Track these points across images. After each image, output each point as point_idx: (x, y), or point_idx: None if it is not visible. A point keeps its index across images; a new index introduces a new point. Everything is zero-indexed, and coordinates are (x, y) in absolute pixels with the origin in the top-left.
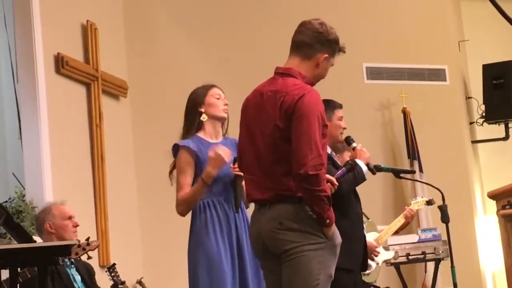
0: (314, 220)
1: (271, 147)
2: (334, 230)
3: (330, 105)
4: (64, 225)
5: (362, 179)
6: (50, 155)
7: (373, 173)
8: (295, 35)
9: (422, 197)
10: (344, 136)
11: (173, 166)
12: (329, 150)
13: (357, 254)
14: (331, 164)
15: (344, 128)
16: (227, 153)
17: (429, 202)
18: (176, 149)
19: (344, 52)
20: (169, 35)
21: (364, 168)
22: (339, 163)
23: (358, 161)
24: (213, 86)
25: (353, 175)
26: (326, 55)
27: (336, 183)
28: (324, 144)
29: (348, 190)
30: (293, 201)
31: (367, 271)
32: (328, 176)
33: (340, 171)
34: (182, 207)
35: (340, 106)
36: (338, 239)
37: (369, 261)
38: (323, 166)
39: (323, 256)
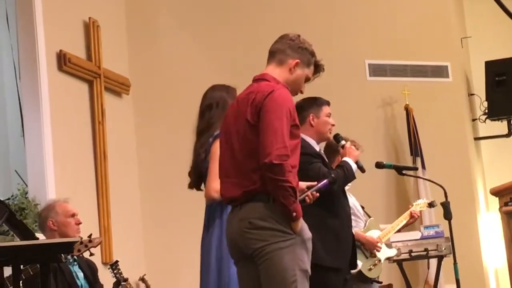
0: (282, 217)
1: (243, 142)
2: (303, 225)
3: (317, 102)
4: (67, 223)
5: (352, 177)
6: (53, 153)
7: (362, 172)
8: (271, 46)
9: (424, 199)
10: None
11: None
12: (317, 148)
13: (346, 253)
14: (321, 163)
15: (333, 125)
16: None
17: (431, 204)
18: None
19: (323, 70)
20: (171, 32)
21: (354, 167)
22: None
23: (348, 159)
24: (234, 89)
25: (343, 173)
26: (298, 61)
27: (317, 195)
28: (296, 145)
29: (339, 189)
30: (261, 199)
31: (355, 270)
32: (310, 183)
33: (322, 182)
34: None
35: (327, 103)
36: (307, 234)
37: (358, 260)
38: (288, 157)
39: (294, 252)
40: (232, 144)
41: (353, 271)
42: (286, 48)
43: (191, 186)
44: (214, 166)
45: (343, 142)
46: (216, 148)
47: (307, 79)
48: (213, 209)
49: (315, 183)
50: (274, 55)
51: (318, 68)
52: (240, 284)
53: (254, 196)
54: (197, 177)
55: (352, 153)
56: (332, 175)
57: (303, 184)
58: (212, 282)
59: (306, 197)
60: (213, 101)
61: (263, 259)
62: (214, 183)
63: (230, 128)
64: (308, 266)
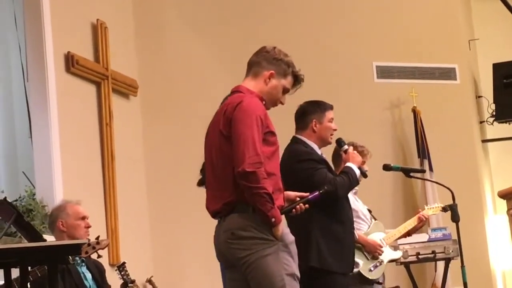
0: (262, 225)
1: (219, 154)
2: (284, 230)
3: (321, 107)
4: (76, 225)
5: (356, 183)
6: (60, 154)
7: (365, 177)
8: (250, 58)
9: (438, 203)
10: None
11: None
12: (319, 153)
13: (350, 258)
14: (326, 169)
15: (335, 130)
16: None
17: (444, 209)
18: None
19: (302, 80)
20: (179, 34)
21: (357, 172)
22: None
23: (351, 165)
24: None
25: (348, 179)
26: (272, 72)
27: (306, 206)
28: (272, 152)
29: (343, 195)
30: (241, 209)
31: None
32: (301, 194)
33: (313, 194)
34: None
35: (331, 107)
36: (290, 238)
37: (357, 260)
38: (261, 165)
39: (278, 257)
40: (211, 157)
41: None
42: (261, 60)
43: (200, 183)
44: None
45: (345, 147)
46: None
47: (286, 91)
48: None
49: (307, 194)
50: (251, 67)
51: (297, 78)
52: (230, 287)
53: (234, 207)
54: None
55: (355, 158)
56: (325, 187)
57: (292, 194)
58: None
59: (294, 209)
60: None
61: (249, 269)
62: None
63: (209, 141)
64: (295, 269)
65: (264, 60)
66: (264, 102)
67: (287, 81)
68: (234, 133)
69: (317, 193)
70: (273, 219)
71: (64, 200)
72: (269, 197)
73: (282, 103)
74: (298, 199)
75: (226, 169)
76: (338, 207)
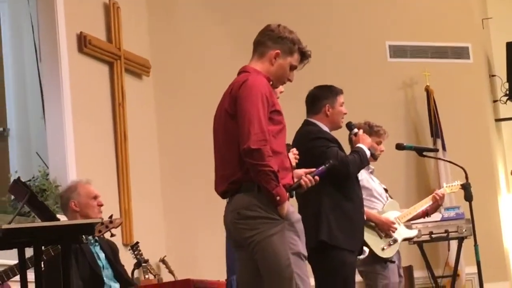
0: (268, 204)
1: (225, 134)
2: (289, 208)
3: (333, 92)
4: (89, 204)
5: (367, 162)
6: (73, 135)
7: (375, 159)
8: (255, 38)
9: (458, 181)
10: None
11: None
12: (327, 130)
13: (359, 236)
14: (338, 148)
15: (345, 114)
16: None
17: (463, 186)
18: None
19: (309, 56)
20: (192, 14)
21: (368, 153)
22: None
23: (362, 146)
24: None
25: (359, 158)
26: (278, 51)
27: (316, 179)
28: (279, 130)
29: (354, 172)
30: (247, 188)
31: (361, 256)
32: (308, 170)
33: (320, 168)
34: None
35: (341, 92)
36: (296, 216)
37: (370, 240)
38: (266, 142)
39: (284, 236)
40: (218, 138)
41: (359, 257)
42: (266, 40)
43: None
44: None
45: (355, 130)
46: None
47: (293, 68)
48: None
49: (314, 169)
50: (256, 47)
51: (304, 55)
52: (239, 267)
53: (241, 185)
54: None
55: (365, 140)
56: (331, 161)
57: (301, 171)
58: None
59: (302, 181)
60: None
61: (255, 249)
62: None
63: (216, 122)
64: (301, 248)
65: (269, 40)
66: (271, 82)
67: (293, 59)
68: (239, 111)
69: (323, 167)
70: (277, 197)
71: (74, 180)
72: (274, 175)
73: (290, 80)
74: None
75: (232, 148)
76: (348, 186)
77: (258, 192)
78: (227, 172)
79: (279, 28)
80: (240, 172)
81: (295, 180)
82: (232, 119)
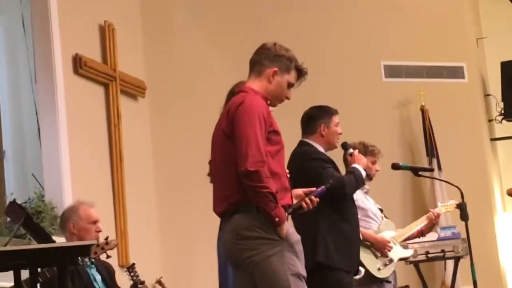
0: (267, 225)
1: (223, 154)
2: (288, 229)
3: (328, 112)
4: (87, 229)
5: (362, 182)
6: (69, 156)
7: (370, 179)
8: (251, 57)
9: (453, 201)
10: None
11: None
12: (323, 151)
13: (356, 256)
14: (333, 168)
15: (340, 134)
16: None
17: (459, 206)
18: None
19: (306, 73)
20: (187, 35)
21: (363, 173)
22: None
23: (357, 166)
24: None
25: (355, 178)
26: (276, 69)
27: (316, 200)
28: (277, 151)
29: (351, 192)
30: (246, 209)
31: (357, 276)
32: (308, 190)
33: (320, 189)
34: None
35: (336, 112)
36: (295, 237)
37: (366, 260)
38: (264, 163)
39: (283, 257)
40: (216, 159)
41: (355, 277)
42: (263, 58)
43: (210, 174)
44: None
45: (351, 150)
46: None
47: (290, 85)
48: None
49: (314, 189)
50: (253, 67)
51: (301, 72)
52: (238, 287)
53: (239, 206)
54: None
55: (361, 160)
56: (331, 181)
57: (300, 191)
58: (229, 281)
59: (303, 203)
60: None
61: (255, 269)
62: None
63: (214, 143)
64: (300, 269)
65: (266, 58)
66: (268, 101)
67: (291, 76)
68: (236, 132)
69: (323, 187)
70: (276, 219)
71: (78, 201)
72: (273, 196)
73: (288, 98)
74: (305, 195)
75: (230, 169)
76: (345, 206)
77: (257, 213)
78: (226, 193)
79: (275, 47)
80: (239, 194)
81: (294, 200)
82: (230, 140)
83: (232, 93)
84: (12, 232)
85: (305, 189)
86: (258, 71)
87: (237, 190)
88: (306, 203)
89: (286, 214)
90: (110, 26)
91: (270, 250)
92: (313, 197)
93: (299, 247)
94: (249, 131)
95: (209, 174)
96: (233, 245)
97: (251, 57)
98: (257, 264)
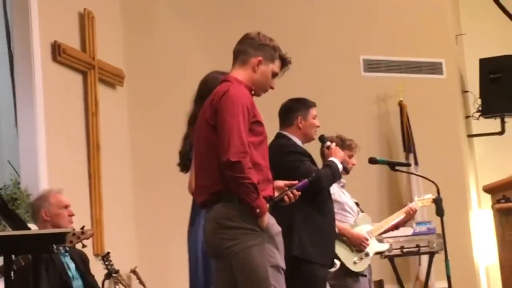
0: (248, 215)
1: (206, 144)
2: (269, 220)
3: (306, 104)
4: (59, 214)
5: (339, 176)
6: (46, 143)
7: (347, 173)
8: (234, 47)
9: (430, 195)
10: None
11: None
12: (300, 143)
13: (331, 250)
14: (310, 162)
15: (318, 127)
16: None
17: (435, 200)
18: None
19: (290, 62)
20: (167, 24)
21: (340, 166)
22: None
23: (334, 159)
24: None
25: (331, 172)
26: (260, 58)
27: (298, 193)
28: (259, 142)
29: (327, 186)
30: (228, 199)
31: (332, 269)
32: (289, 182)
33: (302, 182)
34: None
35: (314, 105)
36: (276, 228)
37: (342, 254)
38: (246, 154)
39: (263, 248)
40: (199, 148)
41: (330, 270)
42: (247, 47)
43: (179, 165)
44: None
45: (328, 143)
46: None
47: (275, 75)
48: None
49: (296, 182)
50: (237, 56)
51: (284, 61)
52: (216, 277)
53: (221, 197)
54: (184, 163)
55: (337, 153)
56: (313, 175)
57: (281, 182)
58: (200, 274)
59: (285, 196)
60: (206, 90)
61: (234, 259)
62: None
63: (197, 132)
64: (279, 261)
65: (250, 47)
66: (252, 92)
67: (275, 65)
68: (219, 122)
69: (306, 180)
70: (257, 210)
71: (46, 189)
72: (254, 187)
73: (272, 88)
74: (287, 188)
75: (213, 159)
76: (321, 200)
77: (238, 203)
78: (207, 182)
79: (259, 36)
80: (221, 184)
81: (276, 192)
82: (213, 130)
83: (204, 82)
84: None
85: (286, 182)
86: (242, 61)
87: (220, 181)
88: (289, 197)
89: (267, 205)
90: (90, 14)
91: (250, 241)
92: (295, 191)
93: (280, 239)
94: (232, 121)
95: (178, 164)
96: (213, 234)
97: (234, 46)
98: (236, 254)
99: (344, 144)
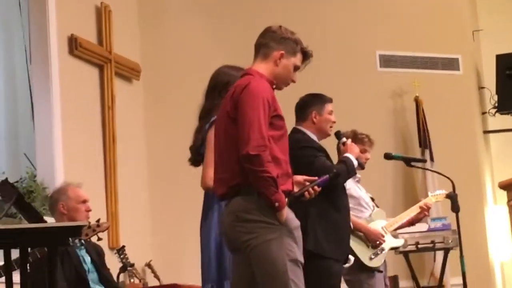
0: (267, 209)
1: (226, 137)
2: (288, 214)
3: (321, 100)
4: (77, 208)
5: (354, 172)
6: (62, 136)
7: (362, 168)
8: (256, 40)
9: (443, 190)
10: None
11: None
12: (315, 138)
13: (345, 246)
14: (325, 157)
15: (334, 122)
16: None
17: (449, 196)
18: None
19: (311, 56)
20: (183, 18)
21: (355, 162)
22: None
23: (349, 155)
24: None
25: (346, 168)
26: (282, 52)
27: (318, 189)
28: (280, 136)
29: (342, 182)
30: (247, 192)
31: (346, 265)
32: (309, 178)
33: (323, 178)
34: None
35: (330, 100)
36: (294, 222)
37: (358, 250)
38: (266, 148)
39: (281, 242)
40: (219, 141)
41: (344, 266)
42: (269, 41)
43: (190, 160)
44: (209, 155)
45: (344, 139)
46: (211, 135)
47: (296, 68)
48: (210, 197)
49: (316, 178)
50: (259, 49)
51: (306, 55)
52: (234, 271)
53: (240, 190)
54: (195, 158)
55: (353, 149)
56: (334, 170)
57: (300, 177)
58: (213, 268)
59: (306, 192)
60: (217, 84)
61: (252, 252)
62: (210, 171)
63: (218, 125)
64: (298, 255)
65: (272, 41)
66: (274, 86)
67: (297, 59)
68: (240, 115)
69: (326, 176)
70: (276, 204)
71: (65, 182)
72: (273, 181)
73: (294, 81)
74: (307, 183)
75: (232, 152)
76: (336, 195)
77: (258, 197)
78: (226, 175)
79: (281, 29)
80: (240, 177)
81: (296, 187)
82: (234, 123)
83: (215, 77)
84: (3, 211)
85: (306, 177)
86: (264, 54)
87: (239, 174)
88: (309, 193)
89: (287, 200)
90: (107, 8)
91: (269, 235)
92: (316, 187)
93: (298, 233)
94: (252, 114)
95: (189, 159)
96: (231, 227)
97: (256, 40)
98: (254, 248)
99: (356, 138)
